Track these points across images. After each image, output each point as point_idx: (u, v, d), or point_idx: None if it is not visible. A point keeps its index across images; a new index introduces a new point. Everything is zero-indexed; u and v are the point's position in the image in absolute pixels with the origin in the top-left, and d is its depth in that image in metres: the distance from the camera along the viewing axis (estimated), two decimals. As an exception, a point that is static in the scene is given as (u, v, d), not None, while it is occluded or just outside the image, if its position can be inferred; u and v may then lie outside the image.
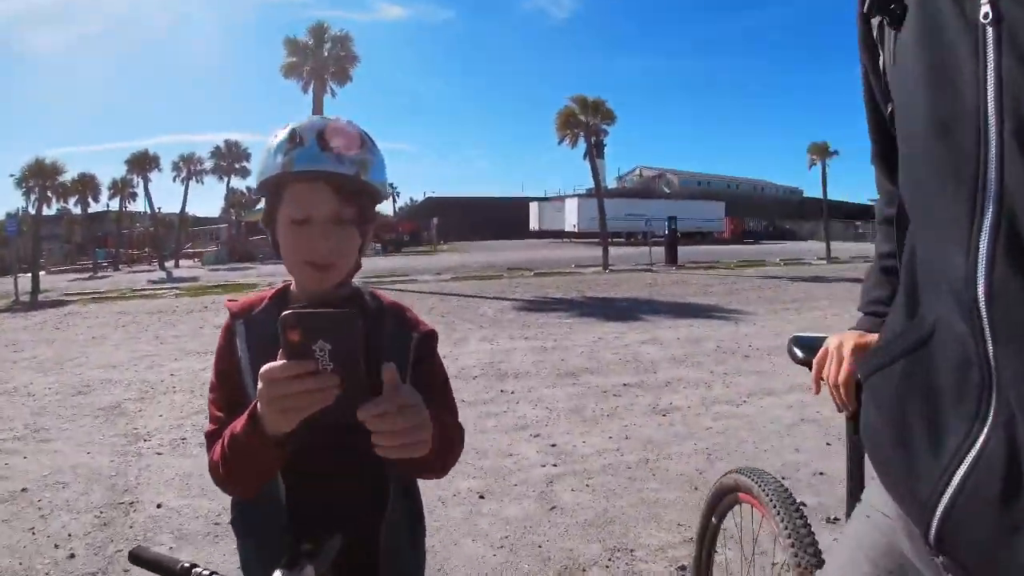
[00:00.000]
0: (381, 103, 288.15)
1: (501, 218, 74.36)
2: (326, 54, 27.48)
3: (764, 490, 1.85)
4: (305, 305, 1.29)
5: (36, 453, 6.35)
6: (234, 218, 66.22)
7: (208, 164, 56.20)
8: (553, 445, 5.35)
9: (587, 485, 4.53)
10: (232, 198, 71.90)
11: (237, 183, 71.42)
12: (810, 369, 1.60)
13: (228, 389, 1.41)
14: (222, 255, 50.21)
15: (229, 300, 1.51)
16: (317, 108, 26.78)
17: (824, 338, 1.58)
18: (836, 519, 3.72)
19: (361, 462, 1.32)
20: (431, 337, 1.44)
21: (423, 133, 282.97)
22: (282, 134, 1.34)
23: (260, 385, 1.07)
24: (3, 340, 15.15)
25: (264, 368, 1.06)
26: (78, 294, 25.14)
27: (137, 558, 0.99)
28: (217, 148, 61.31)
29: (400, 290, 19.67)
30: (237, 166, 65.41)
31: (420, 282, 22.36)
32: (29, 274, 27.84)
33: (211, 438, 1.36)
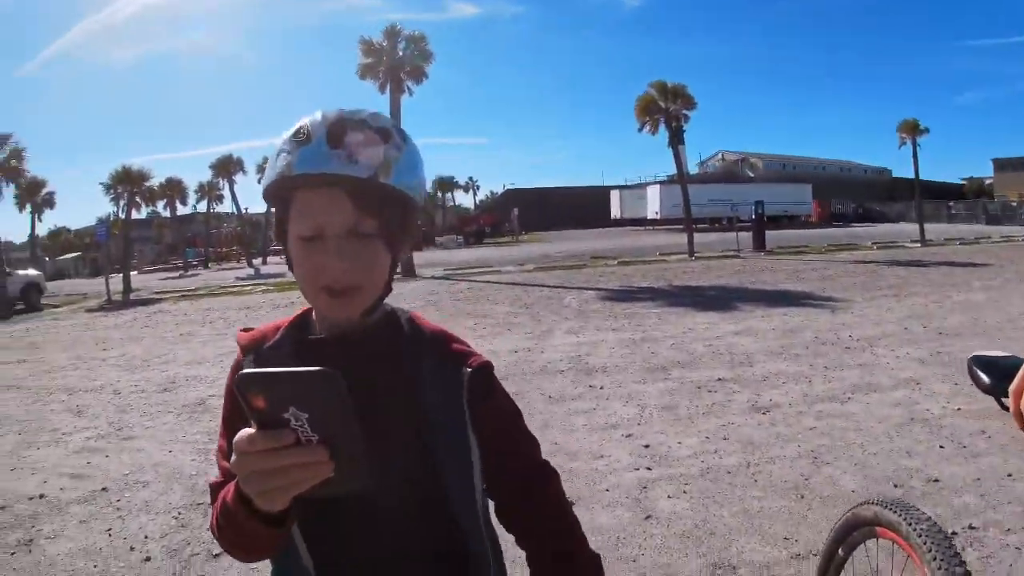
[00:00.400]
0: (459, 99, 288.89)
1: (582, 207, 73.76)
2: (400, 54, 27.47)
3: (914, 528, 1.55)
4: (279, 353, 1.06)
5: (118, 451, 6.41)
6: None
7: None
8: (646, 446, 5.09)
9: (684, 491, 4.26)
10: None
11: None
12: (999, 398, 1.26)
13: (232, 433, 1.21)
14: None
15: (242, 330, 1.28)
16: (394, 107, 26.97)
17: (1015, 359, 1.25)
18: (954, 534, 3.35)
19: (430, 537, 1.14)
20: (486, 370, 1.20)
21: (501, 126, 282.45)
22: (291, 131, 1.11)
23: (233, 457, 0.88)
24: (93, 338, 15.70)
25: (236, 438, 0.87)
26: (168, 292, 25.95)
27: None
28: None
29: (484, 280, 19.62)
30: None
31: (503, 272, 22.24)
32: (120, 274, 28.97)
33: (214, 491, 1.17)
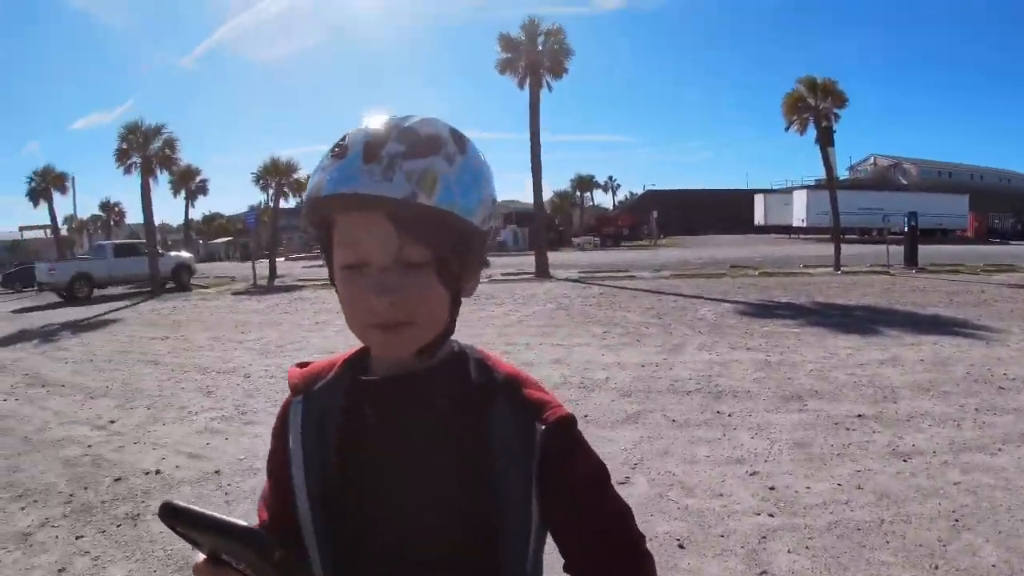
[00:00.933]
0: (599, 95, 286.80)
1: (724, 212, 71.94)
2: (540, 48, 27.39)
3: None
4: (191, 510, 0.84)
5: (238, 435, 6.66)
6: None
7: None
8: (771, 488, 4.82)
9: (807, 547, 3.99)
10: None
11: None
12: None
13: (276, 485, 1.13)
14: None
15: (297, 366, 1.17)
16: (534, 102, 27.01)
17: None
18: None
19: None
20: (566, 424, 1.02)
21: (643, 124, 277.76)
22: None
23: None
24: (234, 321, 16.53)
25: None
26: (309, 280, 26.98)
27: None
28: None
29: (617, 286, 19.38)
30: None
31: (637, 278, 21.91)
32: (267, 260, 30.60)
33: None
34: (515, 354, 10.16)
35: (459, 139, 0.98)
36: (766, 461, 5.32)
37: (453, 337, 1.09)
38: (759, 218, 63.89)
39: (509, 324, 13.29)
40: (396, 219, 0.90)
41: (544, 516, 1.00)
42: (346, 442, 1.04)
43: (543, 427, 0.99)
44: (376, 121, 0.96)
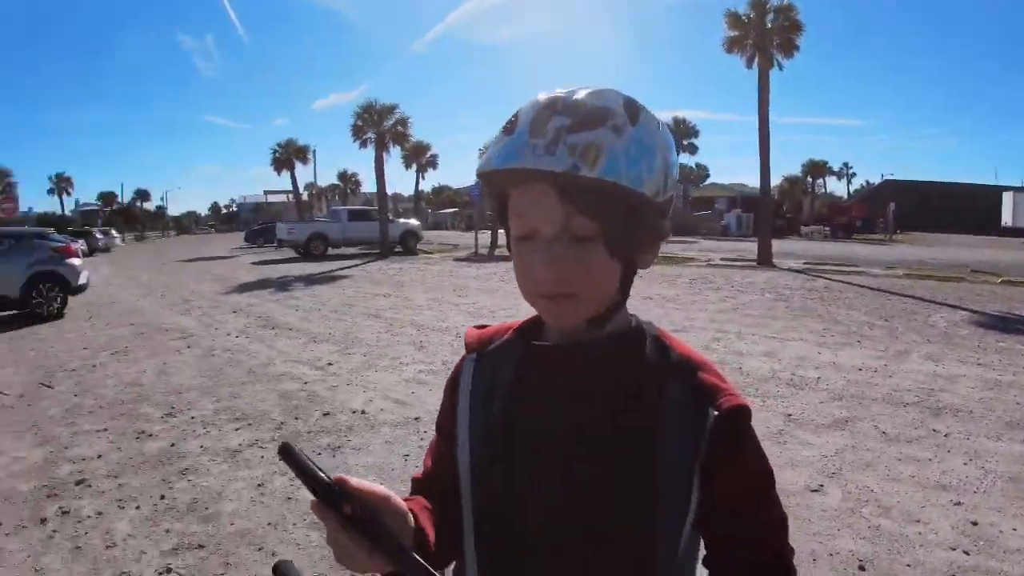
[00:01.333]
0: (831, 76, 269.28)
1: (967, 209, 65.66)
2: (769, 25, 26.07)
3: None
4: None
5: (441, 388, 6.98)
6: (682, 192, 67.97)
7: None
8: (974, 523, 4.35)
9: (999, 595, 3.57)
10: (681, 173, 74.37)
11: (685, 159, 73.87)
12: None
13: (442, 439, 1.18)
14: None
15: (475, 327, 1.22)
16: (763, 82, 25.79)
17: None
18: None
19: None
20: (740, 415, 0.98)
21: (881, 108, 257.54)
22: None
23: None
24: (453, 285, 17.35)
25: None
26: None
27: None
28: (667, 125, 64.77)
29: (844, 281, 18.32)
30: (685, 143, 67.53)
31: (867, 275, 20.50)
32: (490, 231, 31.90)
33: (413, 486, 1.18)
34: (725, 342, 9.94)
35: (632, 109, 0.96)
36: (975, 492, 4.82)
37: (637, 314, 1.10)
38: (1007, 219, 57.68)
39: (723, 311, 12.95)
40: (561, 191, 0.92)
41: (701, 505, 0.97)
42: (512, 402, 1.07)
43: (716, 413, 0.96)
44: (547, 96, 0.96)
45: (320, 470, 0.82)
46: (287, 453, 0.81)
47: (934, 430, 6.12)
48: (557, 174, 0.89)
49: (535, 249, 0.96)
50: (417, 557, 0.82)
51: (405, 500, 1.00)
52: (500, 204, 1.04)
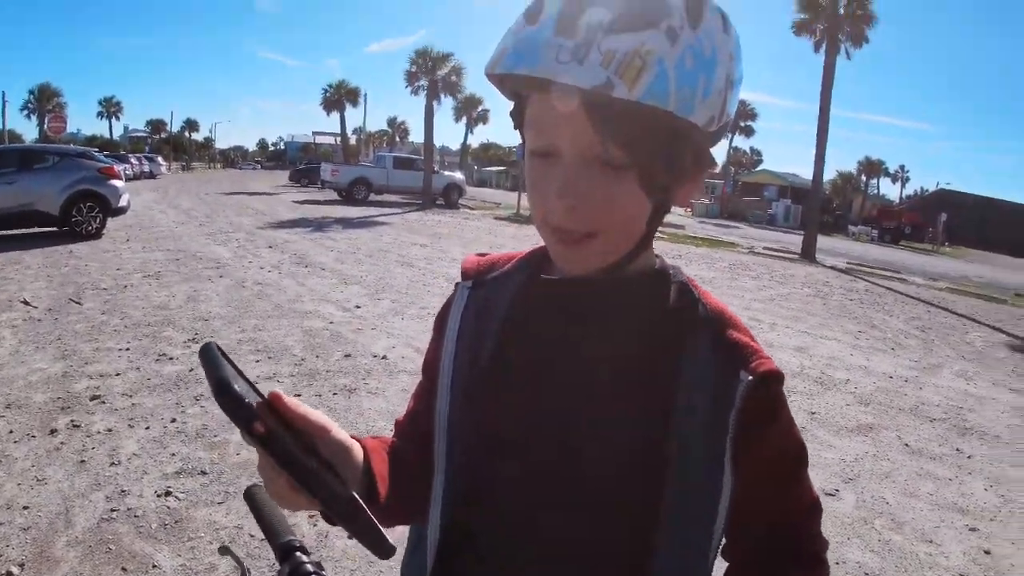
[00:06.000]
0: (899, 74, 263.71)
1: (1021, 230, 64.26)
2: (841, 11, 25.22)
3: None
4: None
5: None
6: (732, 176, 67.28)
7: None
8: (987, 552, 4.20)
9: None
10: (733, 156, 73.55)
11: (740, 142, 72.92)
12: None
13: (427, 378, 1.01)
14: (714, 210, 51.65)
15: (474, 255, 1.05)
16: (828, 70, 24.83)
17: None
18: None
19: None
20: (775, 382, 0.84)
21: (947, 114, 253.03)
22: None
23: None
24: (490, 242, 17.67)
25: None
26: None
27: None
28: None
29: (885, 286, 17.97)
30: (743, 124, 66.48)
31: (909, 283, 20.10)
32: None
33: (396, 429, 1.03)
34: (757, 331, 9.64)
35: (694, 4, 0.74)
36: (992, 520, 4.65)
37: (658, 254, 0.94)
38: (1062, 246, 56.41)
39: (758, 300, 12.73)
40: (593, 111, 0.72)
41: (734, 490, 0.83)
42: (505, 341, 0.92)
43: (750, 377, 0.81)
44: None
45: (243, 378, 0.69)
46: (207, 354, 0.69)
47: (958, 450, 5.95)
48: (584, 90, 0.71)
49: (553, 173, 0.78)
50: (356, 497, 0.69)
51: (368, 439, 0.88)
52: (517, 104, 0.85)
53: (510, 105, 0.87)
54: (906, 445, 5.87)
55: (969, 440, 6.27)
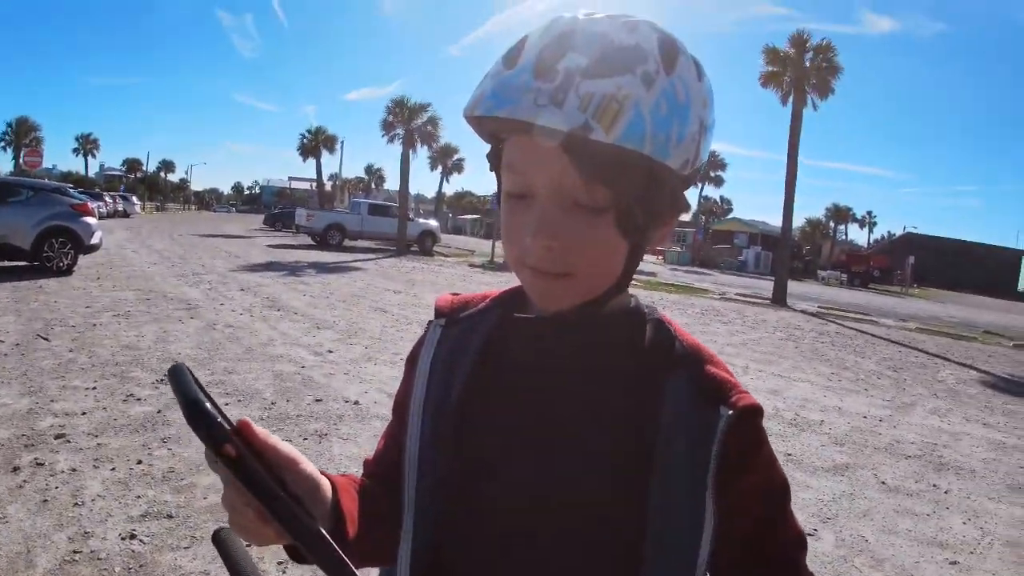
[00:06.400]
0: (862, 123, 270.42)
1: (986, 269, 65.51)
2: (807, 64, 26.05)
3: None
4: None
5: None
6: (703, 224, 68.29)
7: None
8: None
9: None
10: (704, 205, 74.81)
11: (710, 191, 74.28)
12: None
13: (397, 418, 0.99)
14: (685, 257, 52.21)
15: (449, 293, 1.03)
16: (795, 121, 25.74)
17: None
18: None
19: None
20: (755, 416, 0.83)
21: (910, 160, 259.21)
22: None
23: None
24: (465, 289, 17.15)
25: None
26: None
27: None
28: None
29: (856, 328, 18.15)
30: (713, 174, 67.89)
31: (880, 325, 20.33)
32: None
33: (364, 468, 1.00)
34: (729, 375, 9.70)
35: (669, 51, 0.76)
36: (971, 553, 4.65)
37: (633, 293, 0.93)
38: (1024, 284, 57.62)
39: (731, 344, 12.80)
40: (571, 151, 0.73)
41: (716, 531, 0.81)
42: (478, 377, 0.90)
43: (730, 412, 0.80)
44: (564, 21, 0.76)
45: (211, 402, 0.64)
46: (177, 374, 0.65)
47: (934, 485, 5.95)
48: (563, 133, 0.71)
49: (529, 214, 0.78)
50: (324, 533, 0.66)
51: (337, 476, 0.84)
52: (493, 147, 0.85)
53: (486, 149, 0.87)
54: (883, 483, 5.86)
55: (945, 475, 6.28)
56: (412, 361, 0.97)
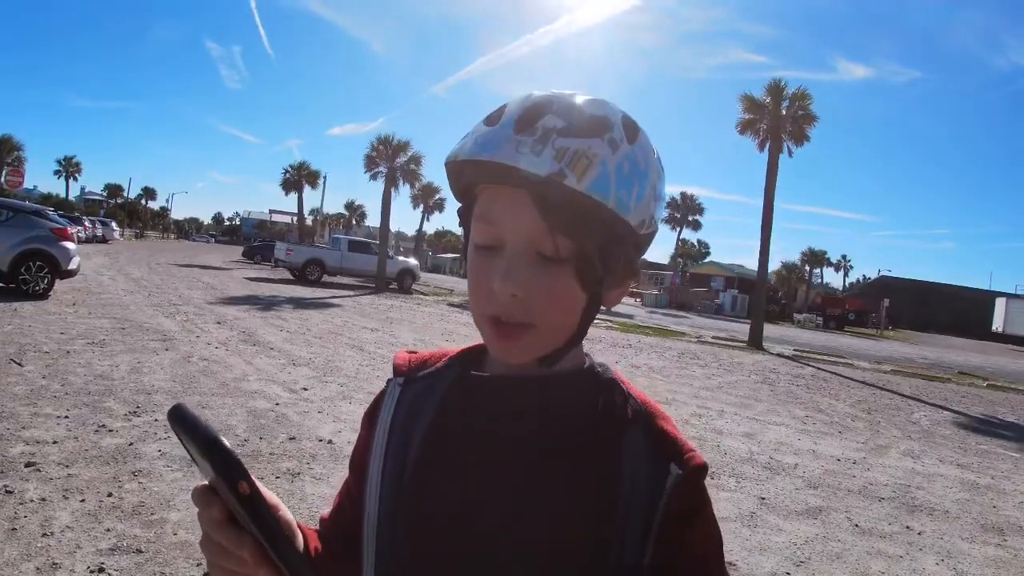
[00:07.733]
0: (837, 169, 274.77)
1: (960, 311, 66.39)
2: (783, 112, 26.61)
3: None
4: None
5: None
6: (680, 267, 68.82)
7: (663, 214, 64.40)
8: None
9: None
10: (682, 248, 75.57)
11: (688, 234, 75.12)
12: None
13: (353, 476, 1.00)
14: (663, 300, 52.50)
15: (405, 351, 1.05)
16: (771, 166, 26.28)
17: None
18: None
19: None
20: (701, 475, 0.86)
21: (884, 204, 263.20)
22: None
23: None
24: (443, 329, 17.36)
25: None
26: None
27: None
28: (673, 199, 66.82)
29: (831, 371, 18.26)
30: (691, 218, 68.74)
31: (855, 368, 20.50)
32: None
33: (320, 526, 1.02)
34: (706, 418, 9.80)
35: (631, 127, 0.84)
36: (947, 594, 4.68)
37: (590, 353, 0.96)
38: (997, 324, 58.32)
39: (707, 388, 12.83)
40: (541, 202, 0.78)
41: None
42: (436, 439, 0.91)
43: (680, 471, 0.83)
44: (542, 93, 0.84)
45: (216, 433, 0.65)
46: (181, 413, 0.66)
47: (908, 527, 5.99)
48: (539, 177, 0.76)
49: (496, 263, 0.82)
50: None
51: (305, 526, 0.87)
52: (466, 204, 0.90)
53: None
54: (856, 525, 5.88)
55: (918, 517, 6.32)
56: (370, 418, 0.99)
